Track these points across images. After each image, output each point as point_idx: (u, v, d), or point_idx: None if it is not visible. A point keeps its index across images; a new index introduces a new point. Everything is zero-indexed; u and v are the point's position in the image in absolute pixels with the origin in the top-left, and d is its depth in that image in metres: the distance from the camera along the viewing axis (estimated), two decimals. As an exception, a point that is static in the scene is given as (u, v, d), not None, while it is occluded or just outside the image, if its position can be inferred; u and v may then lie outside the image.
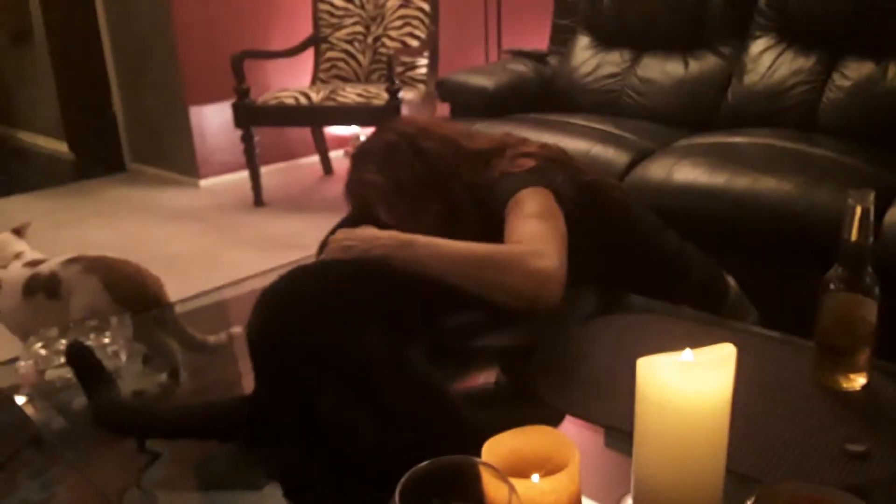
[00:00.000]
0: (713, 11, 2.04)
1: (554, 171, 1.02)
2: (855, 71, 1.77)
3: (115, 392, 0.78)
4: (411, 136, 1.04)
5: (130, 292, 1.14)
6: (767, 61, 1.91)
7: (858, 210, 0.71)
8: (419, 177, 1.01)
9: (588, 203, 1.03)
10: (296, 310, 0.74)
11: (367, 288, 0.80)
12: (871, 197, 0.70)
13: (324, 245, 0.96)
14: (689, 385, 0.52)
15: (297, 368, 0.68)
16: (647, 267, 1.08)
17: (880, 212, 1.33)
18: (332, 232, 0.97)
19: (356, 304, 0.75)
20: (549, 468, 0.55)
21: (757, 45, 1.94)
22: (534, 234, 0.90)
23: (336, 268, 0.86)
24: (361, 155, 1.06)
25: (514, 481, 0.46)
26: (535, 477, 0.54)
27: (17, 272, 1.25)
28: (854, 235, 0.72)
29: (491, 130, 1.99)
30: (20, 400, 0.85)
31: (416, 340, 0.73)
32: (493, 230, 0.95)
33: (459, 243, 0.90)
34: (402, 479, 0.45)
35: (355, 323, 0.72)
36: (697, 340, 0.55)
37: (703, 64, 2.05)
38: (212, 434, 0.74)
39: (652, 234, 1.12)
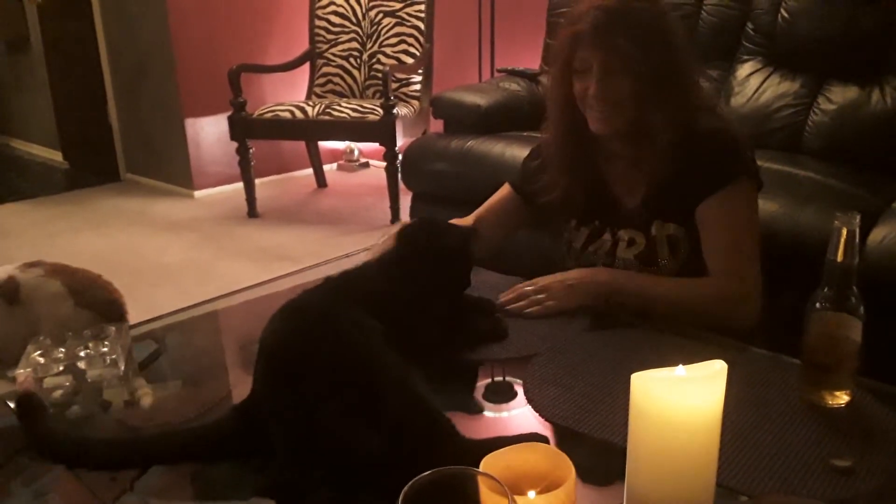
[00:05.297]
0: (702, 35, 2.08)
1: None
2: (839, 95, 1.82)
3: (59, 435, 0.76)
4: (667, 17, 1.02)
5: (94, 297, 1.10)
6: (754, 84, 1.95)
7: (845, 232, 0.72)
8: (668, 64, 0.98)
9: None
10: (307, 321, 0.75)
11: (380, 304, 0.81)
12: (858, 219, 0.72)
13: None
14: (681, 399, 0.53)
15: (301, 376, 0.69)
16: None
17: (864, 233, 1.36)
18: (408, 230, 0.95)
19: (367, 320, 0.76)
20: (546, 485, 0.55)
21: (744, 69, 1.99)
22: (737, 255, 1.00)
23: (354, 284, 0.88)
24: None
25: (511, 499, 0.46)
26: (532, 493, 0.55)
27: None
28: (840, 256, 0.73)
29: (486, 147, 2.03)
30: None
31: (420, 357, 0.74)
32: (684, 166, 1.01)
33: (661, 284, 1.01)
34: (405, 488, 0.45)
35: (364, 336, 0.74)
36: (689, 356, 0.56)
37: (693, 86, 2.09)
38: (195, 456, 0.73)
39: None
